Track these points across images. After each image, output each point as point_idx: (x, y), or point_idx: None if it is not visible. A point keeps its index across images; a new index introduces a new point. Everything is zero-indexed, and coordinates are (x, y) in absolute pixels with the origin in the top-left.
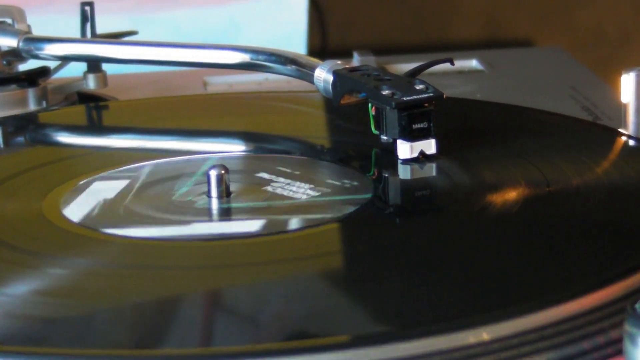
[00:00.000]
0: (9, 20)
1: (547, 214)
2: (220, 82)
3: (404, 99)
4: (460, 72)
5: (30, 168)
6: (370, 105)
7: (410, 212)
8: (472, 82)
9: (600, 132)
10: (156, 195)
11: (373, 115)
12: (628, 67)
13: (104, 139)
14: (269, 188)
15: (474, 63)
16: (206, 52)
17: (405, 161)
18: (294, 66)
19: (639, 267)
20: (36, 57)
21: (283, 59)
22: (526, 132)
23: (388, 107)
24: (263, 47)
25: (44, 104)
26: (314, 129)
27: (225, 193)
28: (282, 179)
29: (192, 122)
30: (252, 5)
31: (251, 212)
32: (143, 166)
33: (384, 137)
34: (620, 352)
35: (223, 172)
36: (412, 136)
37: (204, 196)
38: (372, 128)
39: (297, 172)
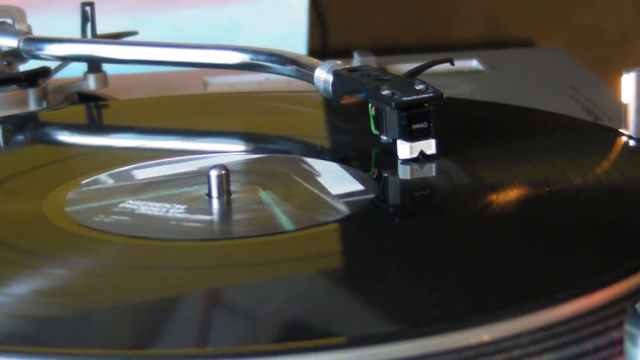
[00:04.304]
0: (9, 21)
1: (547, 214)
2: (221, 82)
3: (404, 99)
4: (461, 72)
5: (30, 168)
6: (370, 105)
7: (410, 212)
8: (472, 82)
9: (600, 132)
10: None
11: (373, 116)
12: (628, 67)
13: (104, 138)
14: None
15: (474, 63)
16: (206, 53)
17: (405, 161)
18: (294, 66)
19: (639, 268)
20: (36, 57)
21: (283, 59)
22: (526, 132)
23: (388, 107)
24: (263, 47)
25: (45, 104)
26: (314, 129)
27: (225, 193)
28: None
29: (192, 121)
30: (252, 6)
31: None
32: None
33: (383, 138)
34: (620, 352)
35: (223, 172)
36: (412, 136)
37: (205, 196)
38: (372, 128)
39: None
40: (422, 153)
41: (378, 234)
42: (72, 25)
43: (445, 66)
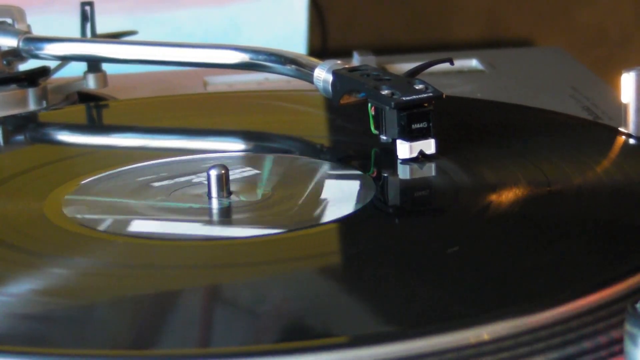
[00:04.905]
0: (9, 20)
1: (547, 214)
2: (220, 82)
3: (403, 98)
4: (461, 72)
5: (30, 168)
6: (369, 105)
7: (409, 212)
8: (472, 81)
9: (600, 131)
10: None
11: (372, 115)
12: (628, 67)
13: (104, 138)
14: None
15: (474, 63)
16: (206, 52)
17: (405, 161)
18: (293, 66)
19: (639, 267)
20: (36, 57)
21: (283, 59)
22: (526, 131)
23: (387, 107)
24: (263, 47)
25: (44, 103)
26: (314, 129)
27: (225, 193)
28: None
29: (192, 121)
30: (252, 6)
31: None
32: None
33: (383, 137)
34: (620, 352)
35: (223, 171)
36: (411, 136)
37: (204, 196)
38: (372, 128)
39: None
40: (421, 153)
41: (378, 234)
42: (71, 25)
43: (445, 66)
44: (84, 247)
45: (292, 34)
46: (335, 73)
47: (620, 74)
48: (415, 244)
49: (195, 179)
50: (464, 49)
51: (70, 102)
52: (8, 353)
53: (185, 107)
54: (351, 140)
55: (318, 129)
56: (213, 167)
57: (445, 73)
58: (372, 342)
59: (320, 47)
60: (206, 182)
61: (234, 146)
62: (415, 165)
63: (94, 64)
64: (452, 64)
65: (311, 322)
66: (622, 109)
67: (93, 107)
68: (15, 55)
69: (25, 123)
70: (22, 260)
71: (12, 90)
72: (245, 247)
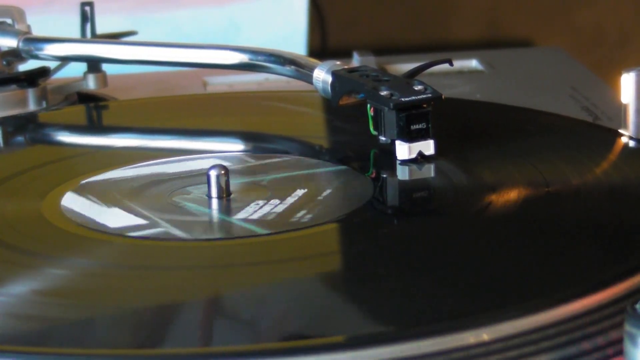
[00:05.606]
0: (8, 21)
1: (546, 214)
2: (220, 82)
3: (402, 99)
4: (460, 72)
5: (30, 168)
6: (368, 105)
7: (408, 212)
8: (472, 82)
9: (600, 132)
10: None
11: (372, 116)
12: (628, 67)
13: (104, 138)
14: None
15: (474, 63)
16: (206, 53)
17: (404, 162)
18: (293, 67)
19: (639, 267)
20: (36, 57)
21: (282, 59)
22: (526, 132)
23: (386, 108)
24: (262, 47)
25: (44, 104)
26: (313, 129)
27: (225, 193)
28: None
29: (192, 122)
30: (252, 6)
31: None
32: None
33: (382, 138)
34: (620, 352)
35: (223, 172)
36: (410, 137)
37: (204, 196)
38: (371, 129)
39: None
40: (420, 154)
41: (377, 235)
42: (71, 25)
43: (445, 66)
44: (83, 247)
45: (292, 34)
46: (334, 74)
47: (619, 74)
48: (414, 244)
49: (195, 179)
50: (464, 49)
51: (70, 102)
52: (7, 353)
53: (185, 108)
54: (350, 141)
55: (317, 130)
56: (213, 167)
57: (445, 73)
58: (371, 343)
59: (320, 48)
60: (206, 183)
61: (234, 147)
62: (414, 166)
63: (93, 64)
64: (451, 64)
65: (311, 322)
66: (621, 109)
67: (93, 108)
68: (15, 55)
69: (25, 123)
70: (21, 260)
71: (12, 91)
72: (244, 247)
